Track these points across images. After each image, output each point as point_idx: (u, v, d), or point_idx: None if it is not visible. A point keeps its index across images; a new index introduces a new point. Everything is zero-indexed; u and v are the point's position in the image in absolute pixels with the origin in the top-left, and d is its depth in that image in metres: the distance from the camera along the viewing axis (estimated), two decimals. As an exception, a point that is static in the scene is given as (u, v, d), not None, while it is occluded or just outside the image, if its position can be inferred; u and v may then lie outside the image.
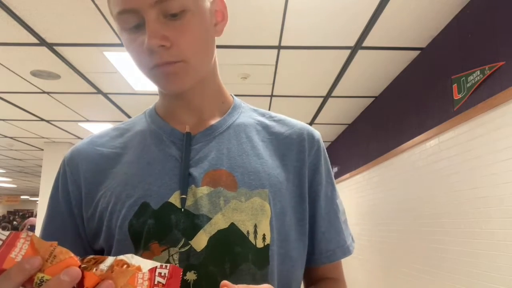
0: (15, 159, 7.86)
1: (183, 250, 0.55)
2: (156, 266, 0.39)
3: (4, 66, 3.22)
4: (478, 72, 2.16)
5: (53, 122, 5.05)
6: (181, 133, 0.63)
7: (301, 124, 0.70)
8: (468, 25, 2.33)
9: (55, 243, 0.37)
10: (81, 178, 0.63)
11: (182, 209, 0.56)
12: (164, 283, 0.38)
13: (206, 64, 0.62)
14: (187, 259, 0.55)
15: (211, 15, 0.60)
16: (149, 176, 0.59)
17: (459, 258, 2.37)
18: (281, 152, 0.65)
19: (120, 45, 2.85)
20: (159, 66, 0.55)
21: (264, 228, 0.57)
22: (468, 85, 2.26)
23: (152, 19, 0.53)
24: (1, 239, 0.37)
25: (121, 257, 0.40)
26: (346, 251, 0.66)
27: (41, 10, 2.40)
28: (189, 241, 0.55)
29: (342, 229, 0.67)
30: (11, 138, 5.95)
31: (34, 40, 2.75)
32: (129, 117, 4.75)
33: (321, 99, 4.11)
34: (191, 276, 0.54)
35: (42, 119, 4.88)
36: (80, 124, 5.09)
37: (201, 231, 0.55)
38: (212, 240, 0.55)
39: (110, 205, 0.59)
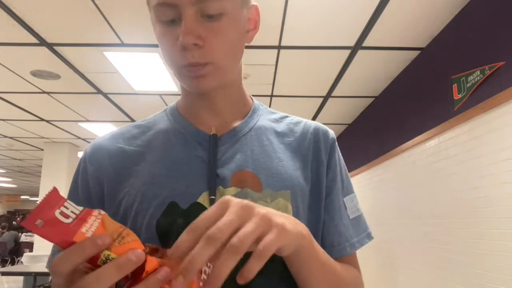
0: (15, 159, 7.86)
1: None
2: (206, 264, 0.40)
3: (4, 66, 3.22)
4: (478, 72, 2.16)
5: (53, 122, 5.05)
6: (207, 135, 0.64)
7: (315, 124, 0.72)
8: (468, 25, 2.33)
9: (123, 225, 0.39)
10: (104, 175, 0.63)
11: None
12: (205, 276, 0.41)
13: (234, 69, 0.64)
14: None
15: (245, 21, 0.62)
16: (176, 176, 0.60)
17: (459, 258, 2.37)
18: (299, 154, 0.66)
19: (120, 45, 2.85)
20: (189, 66, 0.56)
21: None
22: (468, 85, 2.26)
23: (190, 16, 0.54)
24: (75, 212, 0.38)
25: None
26: (353, 247, 0.66)
27: (41, 10, 2.40)
28: None
29: (349, 225, 0.68)
30: (11, 138, 5.95)
31: (34, 40, 2.75)
32: (129, 117, 4.76)
33: (321, 99, 4.11)
34: None
35: (42, 119, 4.89)
36: (80, 124, 5.10)
37: None
38: None
39: (136, 204, 0.59)
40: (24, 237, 10.45)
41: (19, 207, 18.92)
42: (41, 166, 6.32)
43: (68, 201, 0.38)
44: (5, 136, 5.85)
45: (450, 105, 2.47)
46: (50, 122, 5.02)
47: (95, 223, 0.38)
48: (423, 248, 2.90)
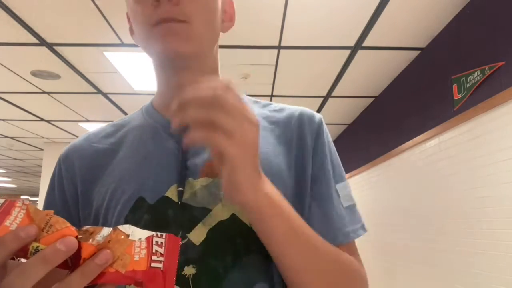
0: (15, 159, 7.86)
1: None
2: (153, 235, 0.38)
3: (4, 66, 3.22)
4: (478, 72, 2.16)
5: (53, 122, 5.05)
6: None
7: (301, 108, 0.67)
8: (468, 25, 2.33)
9: (51, 212, 0.36)
10: (77, 176, 0.62)
11: (179, 202, 0.55)
12: (162, 252, 0.38)
13: (209, 37, 0.60)
14: (184, 253, 0.53)
15: (221, 9, 0.60)
16: (145, 171, 0.58)
17: (459, 258, 2.37)
18: (283, 140, 0.63)
19: (120, 45, 2.85)
20: (161, 23, 0.54)
21: None
22: (468, 85, 2.26)
23: None
24: None
25: (118, 227, 0.39)
26: (346, 236, 0.60)
27: (41, 10, 2.40)
28: (187, 234, 0.54)
29: (343, 213, 0.62)
30: (11, 138, 5.95)
31: (34, 40, 2.75)
32: (129, 117, 4.76)
33: (321, 99, 4.11)
34: (189, 270, 0.52)
35: (42, 119, 4.89)
36: (80, 124, 5.10)
37: (199, 224, 0.54)
38: (212, 232, 0.54)
39: (106, 202, 0.57)
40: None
41: (19, 207, 18.91)
42: (41, 166, 6.32)
43: None
44: (5, 136, 5.85)
45: (450, 105, 2.47)
46: (50, 122, 5.02)
47: (20, 214, 0.35)
48: (422, 248, 2.90)
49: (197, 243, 0.53)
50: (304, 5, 2.35)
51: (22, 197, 17.91)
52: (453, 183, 2.44)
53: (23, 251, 0.35)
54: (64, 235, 0.35)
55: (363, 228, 0.64)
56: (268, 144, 0.61)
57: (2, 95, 3.96)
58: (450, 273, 2.48)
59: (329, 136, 0.67)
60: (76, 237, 0.36)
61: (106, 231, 0.38)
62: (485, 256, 2.10)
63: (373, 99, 4.09)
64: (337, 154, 0.68)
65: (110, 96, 4.01)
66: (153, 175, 0.57)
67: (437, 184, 2.66)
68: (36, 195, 14.39)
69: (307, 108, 0.68)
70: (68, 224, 0.36)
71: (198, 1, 0.55)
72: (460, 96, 2.35)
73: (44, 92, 3.87)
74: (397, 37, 2.74)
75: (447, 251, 2.51)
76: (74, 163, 0.63)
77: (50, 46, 2.86)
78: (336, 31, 2.66)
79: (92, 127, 5.27)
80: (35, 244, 0.34)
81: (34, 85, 3.66)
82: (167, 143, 0.60)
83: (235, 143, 0.41)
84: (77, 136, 5.85)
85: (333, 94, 3.90)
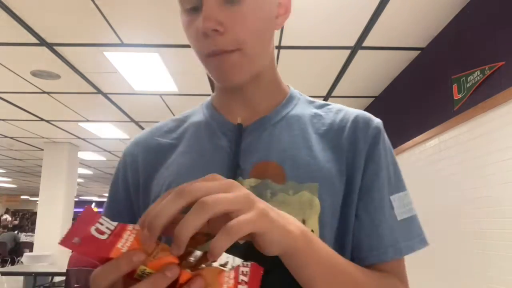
0: (15, 159, 7.86)
1: None
2: (239, 265, 0.41)
3: (4, 66, 3.22)
4: (478, 72, 2.16)
5: (53, 122, 5.05)
6: (233, 125, 0.63)
7: (358, 112, 0.65)
8: (468, 25, 2.33)
9: (158, 240, 0.40)
10: (140, 168, 0.66)
11: None
12: (246, 280, 0.40)
13: (263, 57, 0.60)
14: (229, 251, 0.52)
15: (273, 6, 0.59)
16: (198, 167, 0.60)
17: (459, 258, 2.37)
18: (335, 143, 0.61)
19: (120, 45, 2.85)
20: (214, 56, 0.54)
21: (313, 223, 0.55)
22: (468, 85, 2.26)
23: (209, 2, 0.52)
24: (110, 228, 0.39)
25: (207, 252, 0.42)
26: (398, 252, 0.58)
27: (41, 10, 2.40)
28: None
29: (396, 227, 0.60)
30: (11, 138, 5.95)
31: (34, 40, 2.75)
32: (129, 117, 4.76)
33: (321, 99, 4.11)
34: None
35: (42, 119, 4.89)
36: (80, 124, 5.10)
37: None
38: None
39: (160, 195, 0.59)
40: (24, 237, 10.44)
41: (19, 207, 18.92)
42: (41, 166, 6.32)
43: (103, 217, 0.39)
44: (5, 136, 5.85)
45: (450, 105, 2.47)
46: (50, 122, 5.02)
47: (130, 237, 0.39)
48: (423, 248, 2.90)
49: (241, 241, 0.52)
50: (304, 5, 2.35)
51: (22, 197, 17.90)
52: (453, 183, 2.44)
53: (131, 272, 0.38)
54: (169, 262, 0.39)
55: (421, 241, 0.62)
56: (320, 148, 0.61)
57: (2, 95, 3.96)
58: (450, 273, 2.48)
59: (388, 143, 0.64)
60: (178, 264, 0.39)
61: (197, 253, 0.43)
62: (485, 256, 2.10)
63: (373, 99, 4.09)
64: (396, 164, 0.64)
65: (110, 96, 4.01)
66: (205, 172, 0.57)
67: (437, 184, 2.66)
68: (36, 195, 14.38)
69: (366, 112, 0.65)
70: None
71: (245, 24, 0.54)
72: (460, 96, 2.36)
73: (44, 92, 3.87)
74: (397, 37, 2.74)
75: (447, 251, 2.51)
76: (139, 155, 0.67)
77: (50, 46, 2.86)
78: (336, 31, 2.66)
79: (92, 127, 5.27)
80: (142, 267, 0.38)
81: (34, 85, 3.66)
82: (220, 141, 0.62)
83: (247, 217, 0.40)
84: (77, 136, 5.85)
85: (333, 94, 3.90)
